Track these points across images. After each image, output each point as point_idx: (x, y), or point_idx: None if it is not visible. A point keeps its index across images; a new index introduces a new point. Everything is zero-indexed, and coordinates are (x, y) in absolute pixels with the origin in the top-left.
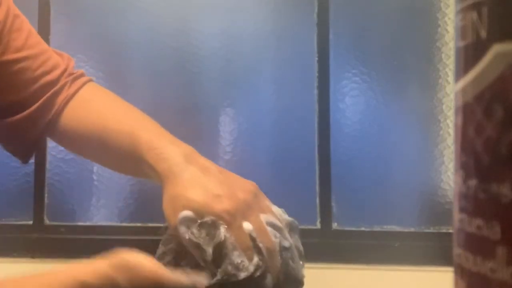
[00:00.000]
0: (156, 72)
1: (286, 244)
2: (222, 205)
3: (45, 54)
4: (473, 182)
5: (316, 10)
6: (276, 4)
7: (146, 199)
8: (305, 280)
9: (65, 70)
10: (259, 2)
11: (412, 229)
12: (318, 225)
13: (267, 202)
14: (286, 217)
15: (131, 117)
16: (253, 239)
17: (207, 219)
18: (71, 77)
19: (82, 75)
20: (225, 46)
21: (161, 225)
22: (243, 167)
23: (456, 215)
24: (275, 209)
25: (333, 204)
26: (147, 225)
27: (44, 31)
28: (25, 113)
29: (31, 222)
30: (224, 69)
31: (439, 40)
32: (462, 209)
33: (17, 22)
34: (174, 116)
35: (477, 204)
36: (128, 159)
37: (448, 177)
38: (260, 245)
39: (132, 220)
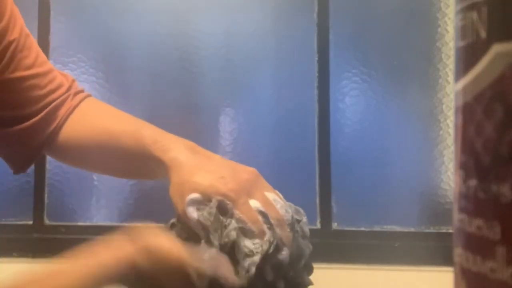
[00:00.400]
0: (156, 72)
1: (297, 217)
2: (227, 186)
3: (52, 73)
4: (473, 182)
5: (316, 10)
6: (276, 4)
7: (146, 199)
8: None
9: (69, 88)
10: (259, 2)
11: (412, 229)
12: (318, 225)
13: (269, 185)
14: (291, 203)
15: (132, 120)
16: (263, 215)
17: (214, 200)
18: (72, 91)
19: (82, 90)
20: (225, 46)
21: (162, 224)
22: None
23: (456, 215)
24: (280, 195)
25: (333, 204)
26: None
27: (44, 31)
28: (28, 123)
29: (31, 222)
30: (224, 69)
31: (439, 40)
32: (462, 209)
33: (28, 40)
34: (174, 116)
35: (477, 204)
36: (132, 158)
37: (448, 177)
38: (271, 220)
39: (132, 220)
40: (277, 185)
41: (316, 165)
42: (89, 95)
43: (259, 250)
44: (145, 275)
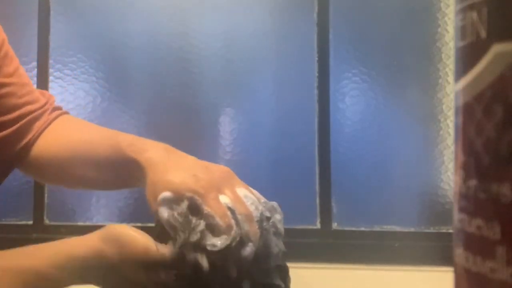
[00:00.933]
0: (156, 72)
1: (267, 214)
2: (198, 183)
3: (30, 86)
4: (473, 182)
5: (316, 10)
6: (276, 4)
7: (146, 199)
8: (306, 281)
9: (46, 103)
10: (259, 2)
11: (412, 229)
12: (318, 225)
13: (242, 182)
14: (266, 200)
15: (107, 131)
16: (231, 210)
17: (186, 200)
18: (50, 106)
19: (60, 108)
20: (225, 46)
21: None
22: (243, 167)
23: (456, 215)
24: (255, 192)
25: (333, 204)
26: (147, 225)
27: (44, 31)
28: (2, 133)
29: (31, 222)
30: (224, 69)
31: (439, 40)
32: (462, 209)
33: (10, 52)
34: (174, 116)
35: (477, 204)
36: (109, 164)
37: (448, 177)
38: (239, 216)
39: (132, 220)
40: (277, 186)
41: (316, 165)
42: (66, 112)
43: (224, 246)
44: (113, 266)
